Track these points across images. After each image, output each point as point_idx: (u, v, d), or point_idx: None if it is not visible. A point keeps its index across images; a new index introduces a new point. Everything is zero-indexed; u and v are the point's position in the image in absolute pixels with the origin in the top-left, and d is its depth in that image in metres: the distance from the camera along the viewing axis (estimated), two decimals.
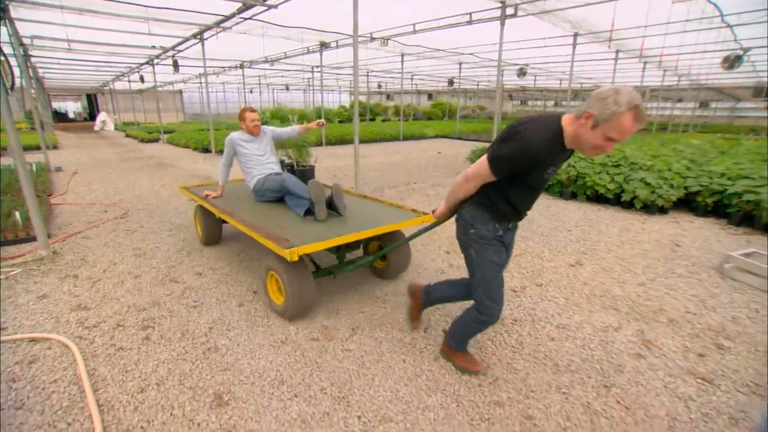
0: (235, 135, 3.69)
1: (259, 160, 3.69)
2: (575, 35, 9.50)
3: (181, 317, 2.72)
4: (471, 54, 12.48)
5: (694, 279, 3.41)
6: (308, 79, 21.63)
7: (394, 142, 15.34)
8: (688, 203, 5.59)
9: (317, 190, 2.98)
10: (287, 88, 28.51)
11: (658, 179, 5.57)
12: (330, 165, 9.44)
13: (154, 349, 2.36)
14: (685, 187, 5.57)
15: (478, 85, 24.72)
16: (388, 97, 28.56)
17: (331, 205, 3.12)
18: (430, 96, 28.32)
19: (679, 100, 24.65)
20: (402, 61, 13.96)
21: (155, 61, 13.08)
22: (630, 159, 6.34)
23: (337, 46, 10.82)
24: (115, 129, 22.80)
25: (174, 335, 2.51)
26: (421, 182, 7.58)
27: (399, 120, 18.12)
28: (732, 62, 10.16)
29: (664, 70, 15.26)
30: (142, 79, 15.73)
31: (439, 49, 11.81)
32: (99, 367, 2.19)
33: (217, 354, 2.33)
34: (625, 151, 7.00)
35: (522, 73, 13.38)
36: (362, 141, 14.24)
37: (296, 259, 2.29)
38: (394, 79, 21.03)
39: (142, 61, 13.64)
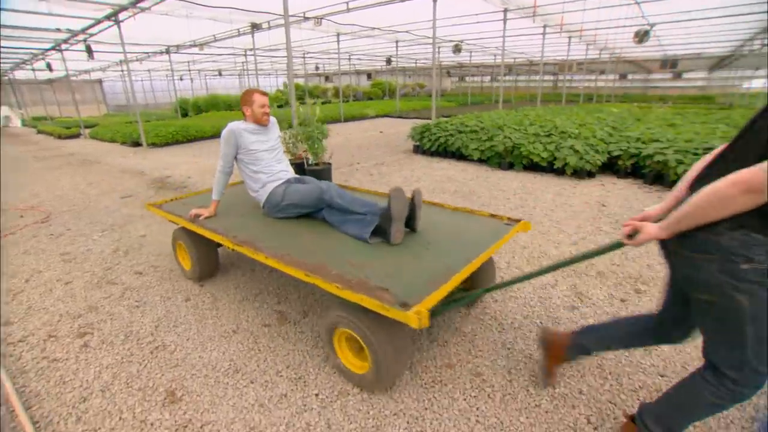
0: (238, 125, 2.75)
1: (270, 161, 2.81)
2: (505, 11, 9.81)
3: (122, 319, 2.58)
4: (407, 32, 12.50)
5: (617, 232, 3.76)
6: (242, 63, 20.61)
7: (335, 124, 15.15)
8: (611, 167, 6.08)
9: (401, 202, 2.15)
10: (220, 74, 27.02)
11: (585, 146, 5.99)
12: None
13: (95, 356, 2.23)
14: (609, 152, 6.05)
15: (416, 63, 24.89)
16: (327, 78, 28.01)
17: (408, 221, 2.33)
18: (369, 76, 28.13)
19: (602, 73, 26.39)
20: (338, 41, 13.69)
21: (64, 46, 11.81)
22: (560, 128, 6.75)
23: (269, 27, 10.38)
24: (23, 125, 20.48)
25: (116, 338, 2.38)
26: (363, 162, 7.60)
27: (339, 101, 17.87)
28: (642, 36, 11.02)
29: (587, 45, 16.21)
30: (49, 68, 14.15)
31: (375, 28, 11.71)
32: (30, 383, 2.04)
33: (166, 351, 2.24)
34: (555, 122, 7.43)
35: (457, 49, 13.63)
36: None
37: (428, 324, 1.52)
38: (332, 60, 20.62)
39: (48, 46, 12.26)
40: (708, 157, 1.31)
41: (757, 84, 25.37)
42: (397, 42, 14.89)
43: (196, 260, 2.87)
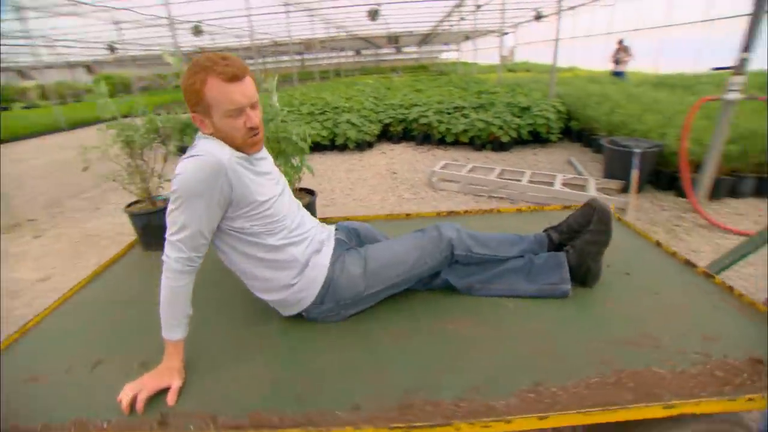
0: (224, 159, 1.10)
1: (294, 214, 1.32)
2: None
3: None
4: (128, 10, 10.26)
5: (418, 197, 4.01)
6: None
7: (55, 135, 11.52)
8: (385, 134, 6.55)
9: (605, 216, 1.35)
10: None
11: (359, 118, 6.22)
12: None
13: None
14: (380, 121, 6.47)
15: (148, 50, 21.23)
16: (23, 74, 21.02)
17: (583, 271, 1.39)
18: (89, 68, 22.53)
19: (342, 50, 28.75)
20: (21, 19, 10.12)
21: None
22: (332, 104, 6.81)
23: None
24: None
25: None
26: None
27: (51, 104, 13.61)
28: (374, 15, 12.28)
29: (327, 24, 17.08)
30: None
31: (82, 2, 9.12)
32: None
33: None
34: (326, 98, 7.49)
35: (197, 31, 12.14)
36: (10, 139, 9.92)
37: None
38: (21, 48, 15.37)
39: None
40: None
41: (448, 55, 32.97)
42: (118, 23, 12.15)
43: None
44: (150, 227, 1.91)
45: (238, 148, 1.16)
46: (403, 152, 5.82)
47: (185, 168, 1.05)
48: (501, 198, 3.86)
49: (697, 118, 3.62)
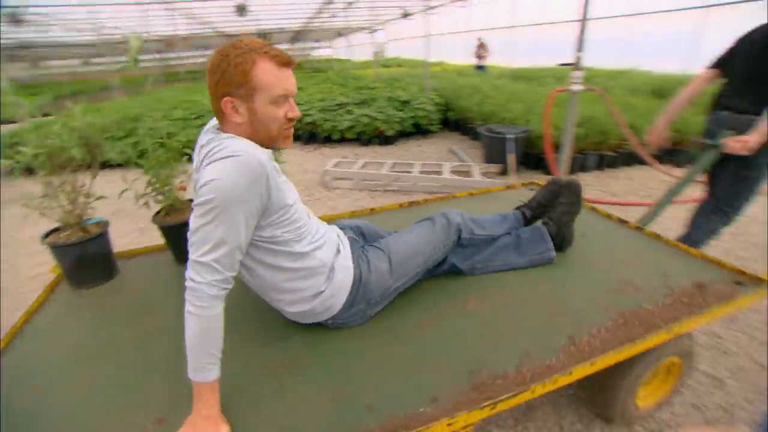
0: (264, 159, 0.94)
1: (309, 219, 1.19)
2: None
3: None
4: None
5: (313, 198, 3.87)
6: None
7: None
8: None
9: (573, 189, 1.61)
10: None
11: None
12: None
13: None
14: None
15: None
16: None
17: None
18: None
19: (209, 48, 26.60)
20: None
21: None
22: (208, 107, 6.21)
23: None
24: None
25: None
26: None
27: None
28: (241, 10, 11.54)
29: (191, 19, 15.55)
30: None
31: None
32: None
33: None
34: (202, 101, 6.80)
35: (14, 20, 9.98)
36: None
37: None
38: None
39: None
40: (696, 84, 2.06)
41: (321, 52, 32.99)
42: None
43: None
44: (84, 259, 1.50)
45: (268, 141, 1.04)
46: (290, 153, 5.58)
47: (222, 171, 0.90)
48: (395, 191, 3.93)
49: (553, 106, 4.15)
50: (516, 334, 1.16)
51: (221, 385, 0.95)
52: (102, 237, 1.55)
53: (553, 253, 1.51)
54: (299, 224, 1.10)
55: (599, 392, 1.37)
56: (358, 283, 1.20)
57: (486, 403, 0.92)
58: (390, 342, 1.16)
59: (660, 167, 3.51)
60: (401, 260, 1.29)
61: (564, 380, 1.01)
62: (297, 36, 30.00)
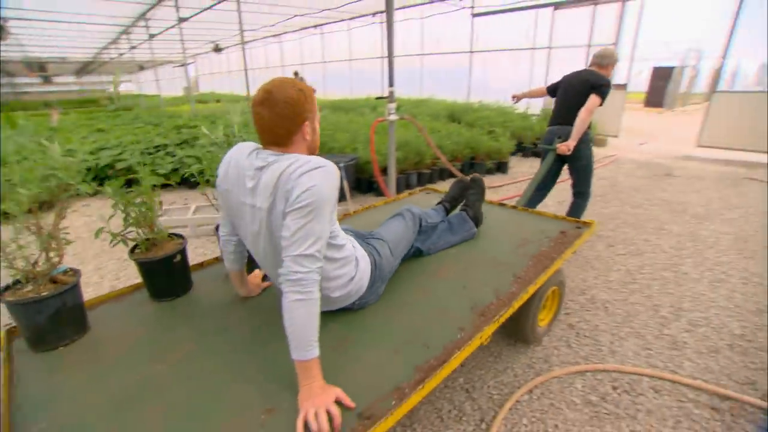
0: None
1: None
2: None
3: None
4: None
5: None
6: None
7: None
8: None
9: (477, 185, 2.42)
10: None
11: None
12: None
13: None
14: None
15: None
16: None
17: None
18: None
19: None
20: None
21: None
22: None
23: None
24: None
25: None
26: None
27: None
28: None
29: None
30: None
31: None
32: None
33: None
34: None
35: None
36: None
37: None
38: None
39: None
40: (537, 91, 3.45)
41: (124, 87, 28.99)
42: None
43: None
44: (59, 314, 1.34)
45: (316, 152, 1.36)
46: (103, 206, 4.88)
47: (317, 179, 1.14)
48: None
49: (375, 134, 4.75)
50: (480, 283, 1.74)
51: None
52: (76, 288, 1.41)
53: (475, 230, 2.18)
54: (336, 223, 1.36)
55: (517, 322, 2.01)
56: (374, 266, 1.55)
57: (494, 319, 1.46)
58: (403, 306, 1.58)
59: (462, 176, 4.49)
60: (395, 245, 1.73)
61: (525, 297, 1.64)
62: (86, 68, 25.70)
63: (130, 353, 1.34)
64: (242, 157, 1.28)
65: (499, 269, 1.85)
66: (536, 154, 6.67)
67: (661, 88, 15.38)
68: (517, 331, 2.09)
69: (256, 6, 10.84)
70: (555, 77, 3.31)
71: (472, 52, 11.08)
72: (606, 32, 8.43)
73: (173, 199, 4.99)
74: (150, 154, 5.37)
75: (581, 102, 2.89)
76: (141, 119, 8.98)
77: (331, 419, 1.01)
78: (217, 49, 16.23)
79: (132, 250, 1.66)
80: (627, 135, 8.85)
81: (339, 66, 15.80)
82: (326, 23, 15.06)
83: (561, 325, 2.36)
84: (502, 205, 2.72)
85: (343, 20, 14.12)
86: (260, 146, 1.30)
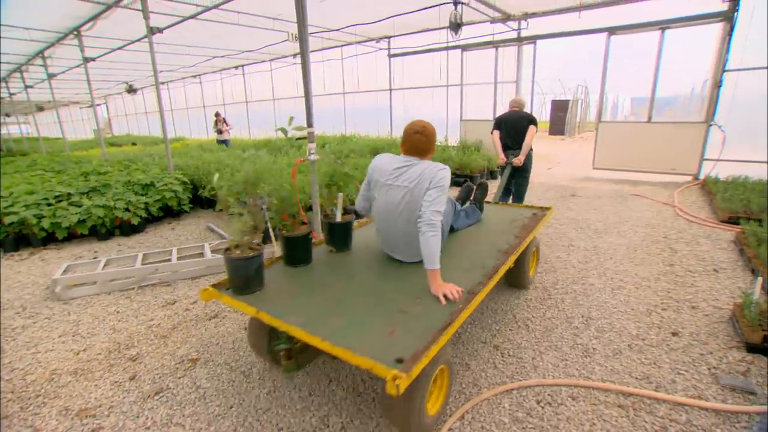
0: None
1: None
2: None
3: None
4: None
5: (39, 319, 3.10)
6: None
7: None
8: None
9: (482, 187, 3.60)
10: None
11: None
12: None
13: None
14: None
15: None
16: None
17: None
18: None
19: None
20: None
21: None
22: None
23: None
24: None
25: None
26: None
27: None
28: None
29: None
30: None
31: None
32: None
33: None
34: None
35: None
36: None
37: None
38: None
39: None
40: (497, 136, 4.68)
41: (13, 129, 25.89)
42: None
43: None
44: (258, 269, 2.13)
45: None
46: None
47: (445, 171, 2.20)
48: (155, 284, 3.60)
49: (298, 173, 4.74)
50: (496, 241, 2.82)
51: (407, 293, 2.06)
52: (261, 254, 2.10)
53: (481, 216, 3.36)
54: None
55: (517, 270, 3.05)
56: (443, 229, 2.50)
57: (513, 253, 2.55)
58: (460, 249, 2.69)
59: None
60: (445, 216, 2.57)
61: (523, 246, 2.72)
62: None
63: (303, 292, 2.10)
64: (384, 161, 2.38)
65: (504, 234, 2.98)
66: (458, 184, 7.09)
67: (561, 118, 17.32)
68: (517, 277, 3.13)
69: (172, 48, 10.55)
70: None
71: (391, 89, 11.68)
72: (508, 71, 9.41)
73: (79, 253, 4.53)
74: (50, 205, 4.84)
75: (524, 132, 4.48)
76: (40, 166, 8.12)
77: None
78: (131, 90, 15.39)
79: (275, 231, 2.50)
80: (536, 161, 9.73)
81: (263, 105, 15.74)
82: (248, 64, 15.04)
83: (488, 347, 2.49)
84: (487, 203, 3.86)
85: (264, 61, 14.21)
86: (396, 155, 2.39)
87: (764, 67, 6.17)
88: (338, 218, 2.71)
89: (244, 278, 2.04)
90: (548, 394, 2.06)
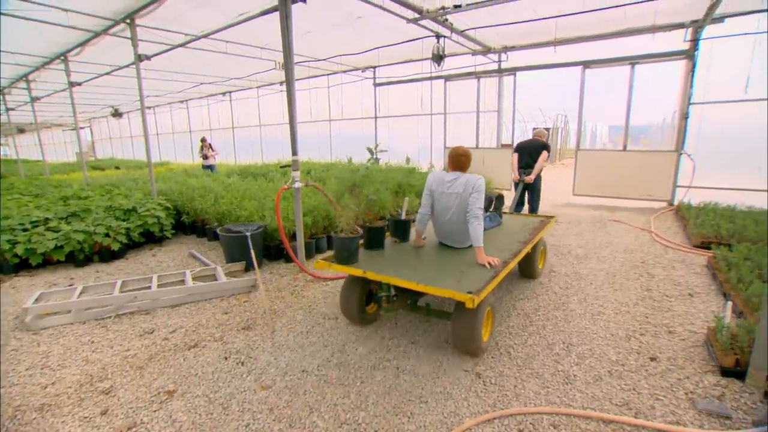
0: None
1: None
2: None
3: None
4: None
5: (7, 350, 2.98)
6: None
7: None
8: None
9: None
10: None
11: None
12: None
13: None
14: None
15: None
16: None
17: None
18: None
19: None
20: None
21: None
22: None
23: None
24: None
25: None
26: None
27: None
28: None
29: None
30: None
31: None
32: None
33: None
34: None
35: None
36: None
37: None
38: None
39: None
40: (515, 158, 6.01)
41: None
42: None
43: None
44: (353, 246, 3.02)
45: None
46: None
47: (481, 180, 3.07)
48: (133, 313, 3.51)
49: (282, 200, 4.74)
50: (514, 240, 3.54)
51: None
52: (358, 236, 2.99)
53: (501, 222, 4.17)
54: None
55: (527, 265, 3.96)
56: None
57: (529, 242, 3.50)
58: (494, 239, 3.56)
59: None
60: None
61: (535, 240, 3.64)
62: None
63: (390, 262, 2.99)
64: (438, 177, 3.21)
65: (520, 233, 3.77)
66: None
67: None
68: (529, 268, 3.96)
69: (160, 74, 10.63)
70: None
71: (376, 117, 11.91)
72: (490, 101, 9.73)
73: (54, 280, 4.40)
74: (25, 230, 4.72)
75: (537, 156, 5.73)
76: (17, 189, 7.95)
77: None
78: (116, 114, 15.33)
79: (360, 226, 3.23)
80: None
81: (249, 131, 15.83)
82: (235, 90, 15.20)
83: (470, 375, 2.48)
84: (504, 212, 4.58)
85: (251, 88, 14.39)
86: (444, 171, 3.28)
87: (726, 101, 6.56)
88: (403, 216, 3.50)
89: (347, 252, 2.88)
90: (530, 423, 2.06)
